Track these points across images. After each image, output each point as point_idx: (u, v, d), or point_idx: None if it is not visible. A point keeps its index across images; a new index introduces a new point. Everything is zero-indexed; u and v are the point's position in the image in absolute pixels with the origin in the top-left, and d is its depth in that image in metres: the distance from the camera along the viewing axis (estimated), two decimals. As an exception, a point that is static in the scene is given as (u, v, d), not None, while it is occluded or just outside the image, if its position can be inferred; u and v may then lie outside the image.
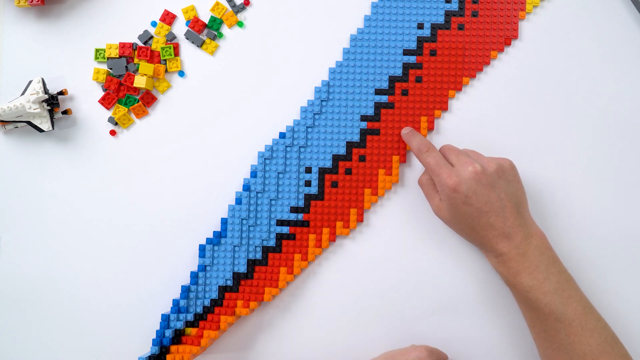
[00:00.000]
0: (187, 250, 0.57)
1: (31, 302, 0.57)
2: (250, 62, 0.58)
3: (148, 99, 0.58)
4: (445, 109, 0.57)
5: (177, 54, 0.58)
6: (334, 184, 0.57)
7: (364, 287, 0.57)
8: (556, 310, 0.48)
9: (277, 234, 0.56)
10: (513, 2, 0.57)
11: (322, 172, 0.57)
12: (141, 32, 0.58)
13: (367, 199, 0.57)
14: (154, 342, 0.54)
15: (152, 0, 0.59)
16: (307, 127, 0.57)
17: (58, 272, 0.57)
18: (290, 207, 0.56)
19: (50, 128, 0.56)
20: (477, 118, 0.58)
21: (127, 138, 0.58)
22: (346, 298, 0.57)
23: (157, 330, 0.54)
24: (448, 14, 0.57)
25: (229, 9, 0.58)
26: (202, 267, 0.56)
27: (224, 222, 0.56)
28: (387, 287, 0.56)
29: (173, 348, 0.53)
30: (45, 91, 0.56)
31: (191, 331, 0.54)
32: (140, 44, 0.58)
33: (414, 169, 0.57)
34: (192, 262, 0.57)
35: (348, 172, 0.57)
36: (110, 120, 0.58)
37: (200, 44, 0.58)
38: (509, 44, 0.58)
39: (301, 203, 0.56)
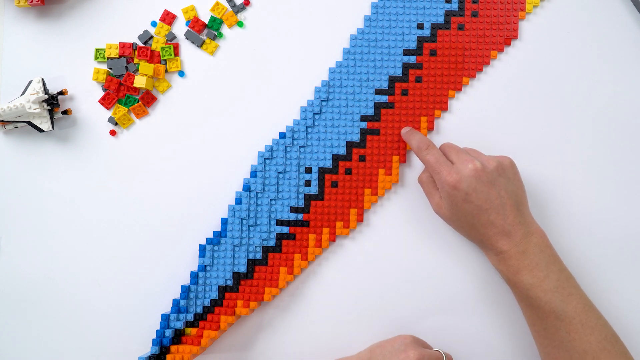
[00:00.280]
0: (187, 250, 0.57)
1: (31, 302, 0.57)
2: (250, 62, 0.58)
3: (148, 99, 0.58)
4: (445, 109, 0.57)
5: (177, 54, 0.58)
6: (334, 184, 0.57)
7: (364, 287, 0.57)
8: (556, 308, 0.48)
9: (277, 234, 0.56)
10: (513, 2, 0.57)
11: (322, 172, 0.57)
12: (141, 32, 0.58)
13: (367, 199, 0.57)
14: (154, 342, 0.54)
15: (152, 0, 0.59)
16: (307, 127, 0.57)
17: (58, 272, 0.57)
18: (290, 207, 0.56)
19: (50, 128, 0.56)
20: (477, 118, 0.58)
21: (127, 138, 0.58)
22: (346, 298, 0.57)
23: (157, 330, 0.54)
24: (448, 14, 0.57)
25: (229, 9, 0.58)
26: (202, 267, 0.56)
27: (224, 222, 0.56)
28: (387, 287, 0.57)
29: (173, 348, 0.53)
30: (45, 91, 0.56)
31: (191, 331, 0.54)
32: (140, 44, 0.58)
33: (414, 169, 0.57)
34: (192, 262, 0.57)
35: (348, 172, 0.57)
36: (110, 120, 0.58)
37: (200, 44, 0.58)
38: (509, 44, 0.58)
39: (301, 203, 0.56)
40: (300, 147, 0.57)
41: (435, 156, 0.52)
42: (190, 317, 0.55)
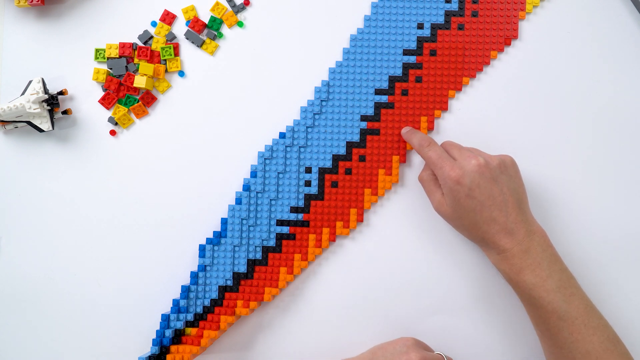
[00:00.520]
0: (187, 250, 0.57)
1: (31, 302, 0.57)
2: (250, 62, 0.58)
3: (148, 99, 0.58)
4: (445, 109, 0.57)
5: (177, 54, 0.58)
6: (334, 184, 0.57)
7: (364, 287, 0.57)
8: (559, 308, 0.48)
9: (277, 234, 0.56)
10: (513, 2, 0.57)
11: (322, 172, 0.57)
12: (141, 32, 0.58)
13: (367, 199, 0.57)
14: (154, 342, 0.54)
15: (152, 0, 0.59)
16: (307, 127, 0.57)
17: (58, 272, 0.57)
18: (290, 207, 0.56)
19: (50, 128, 0.56)
20: (477, 118, 0.58)
21: (127, 138, 0.58)
22: (346, 298, 0.57)
23: (157, 330, 0.54)
24: (448, 14, 0.57)
25: (229, 9, 0.58)
26: (202, 267, 0.56)
27: (224, 222, 0.56)
28: (387, 287, 0.57)
29: (173, 348, 0.53)
30: (45, 91, 0.56)
31: (191, 331, 0.54)
32: (140, 44, 0.58)
33: (414, 169, 0.57)
34: (192, 262, 0.57)
35: (348, 172, 0.57)
36: (110, 120, 0.58)
37: (200, 44, 0.58)
38: (509, 44, 0.58)
39: (301, 203, 0.56)
40: (300, 147, 0.57)
41: (438, 152, 0.52)
42: (190, 317, 0.55)
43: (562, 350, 0.49)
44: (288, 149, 0.57)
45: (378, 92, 0.57)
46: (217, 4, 0.58)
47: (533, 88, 0.58)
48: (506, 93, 0.58)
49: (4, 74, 0.58)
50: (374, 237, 0.57)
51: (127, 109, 0.58)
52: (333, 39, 0.58)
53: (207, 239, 0.56)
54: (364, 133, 0.57)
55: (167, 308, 0.56)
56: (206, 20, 0.58)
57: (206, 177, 0.58)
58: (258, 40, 0.58)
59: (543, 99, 0.58)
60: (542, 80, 0.58)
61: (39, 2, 0.57)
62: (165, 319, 0.55)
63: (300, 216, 0.56)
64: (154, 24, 0.58)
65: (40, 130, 0.56)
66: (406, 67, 0.57)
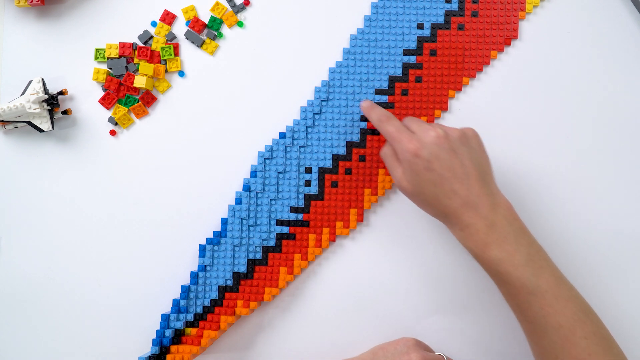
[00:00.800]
0: (187, 250, 0.57)
1: (31, 302, 0.57)
2: (250, 62, 0.58)
3: (148, 99, 0.58)
4: (445, 109, 0.57)
5: (177, 54, 0.58)
6: (334, 184, 0.57)
7: (364, 287, 0.57)
8: (528, 283, 0.46)
9: (277, 234, 0.56)
10: (513, 2, 0.57)
11: (322, 172, 0.57)
12: (141, 32, 0.58)
13: (367, 199, 0.57)
14: (154, 342, 0.54)
15: (152, 0, 0.59)
16: (307, 127, 0.57)
17: (58, 272, 0.57)
18: (290, 207, 0.56)
19: (50, 128, 0.56)
20: (477, 118, 0.58)
21: (127, 138, 0.58)
22: (346, 298, 0.57)
23: (157, 330, 0.54)
24: (448, 14, 0.57)
25: (229, 9, 0.58)
26: (202, 267, 0.56)
27: (224, 222, 0.56)
28: (387, 287, 0.57)
29: (173, 348, 0.53)
30: (45, 91, 0.56)
31: (191, 331, 0.54)
32: (140, 44, 0.58)
33: (414, 169, 0.57)
34: (192, 262, 0.57)
35: (348, 172, 0.57)
36: (110, 120, 0.58)
37: (200, 44, 0.58)
38: (509, 44, 0.58)
39: (301, 203, 0.56)
40: (300, 147, 0.57)
41: (396, 126, 0.50)
42: (190, 317, 0.55)
43: (533, 325, 0.47)
44: (288, 149, 0.57)
45: (378, 92, 0.57)
46: (217, 4, 0.58)
47: (533, 88, 0.58)
48: (506, 93, 0.58)
49: (4, 74, 0.58)
50: (374, 237, 0.57)
51: (127, 109, 0.58)
52: (333, 39, 0.58)
53: (207, 239, 0.56)
54: (364, 133, 0.57)
55: (167, 308, 0.56)
56: (206, 20, 0.58)
57: (206, 177, 0.58)
58: (258, 40, 0.58)
59: (543, 99, 0.58)
60: (542, 80, 0.58)
61: (39, 2, 0.57)
62: (165, 319, 0.55)
63: (300, 216, 0.56)
64: (154, 24, 0.58)
65: (40, 130, 0.56)
66: (406, 67, 0.57)
